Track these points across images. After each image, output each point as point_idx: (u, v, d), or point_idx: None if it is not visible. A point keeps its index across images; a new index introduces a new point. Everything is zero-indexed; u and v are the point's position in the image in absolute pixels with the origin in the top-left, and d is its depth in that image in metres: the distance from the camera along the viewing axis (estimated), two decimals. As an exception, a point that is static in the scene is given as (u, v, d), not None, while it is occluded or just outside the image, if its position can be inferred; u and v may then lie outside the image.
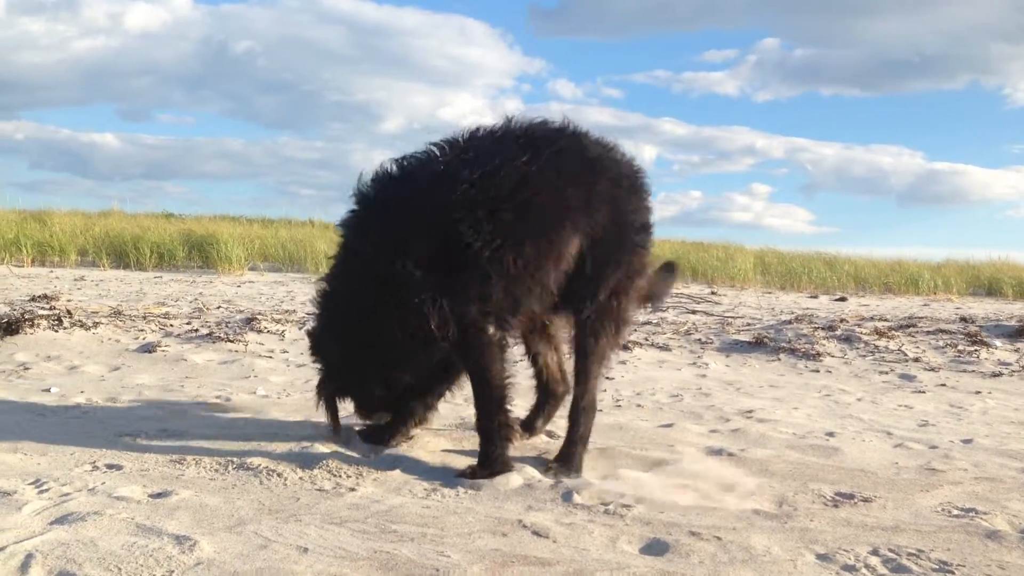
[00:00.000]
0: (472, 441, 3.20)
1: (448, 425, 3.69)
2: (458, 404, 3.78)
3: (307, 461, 3.03)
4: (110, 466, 2.93)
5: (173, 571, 2.06)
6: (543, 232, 3.05)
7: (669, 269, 3.77)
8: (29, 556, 2.10)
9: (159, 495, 2.63)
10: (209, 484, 2.77)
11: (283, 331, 5.77)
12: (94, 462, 2.98)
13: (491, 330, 3.07)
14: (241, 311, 7.08)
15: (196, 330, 5.63)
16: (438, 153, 3.13)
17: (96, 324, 5.41)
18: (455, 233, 2.94)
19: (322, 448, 3.17)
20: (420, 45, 48.80)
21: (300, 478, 2.86)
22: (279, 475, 2.86)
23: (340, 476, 2.89)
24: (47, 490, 2.63)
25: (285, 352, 5.26)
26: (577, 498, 2.78)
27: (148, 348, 5.08)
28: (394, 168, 3.16)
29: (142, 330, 5.57)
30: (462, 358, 3.15)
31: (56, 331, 5.21)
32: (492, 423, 3.06)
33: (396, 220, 3.07)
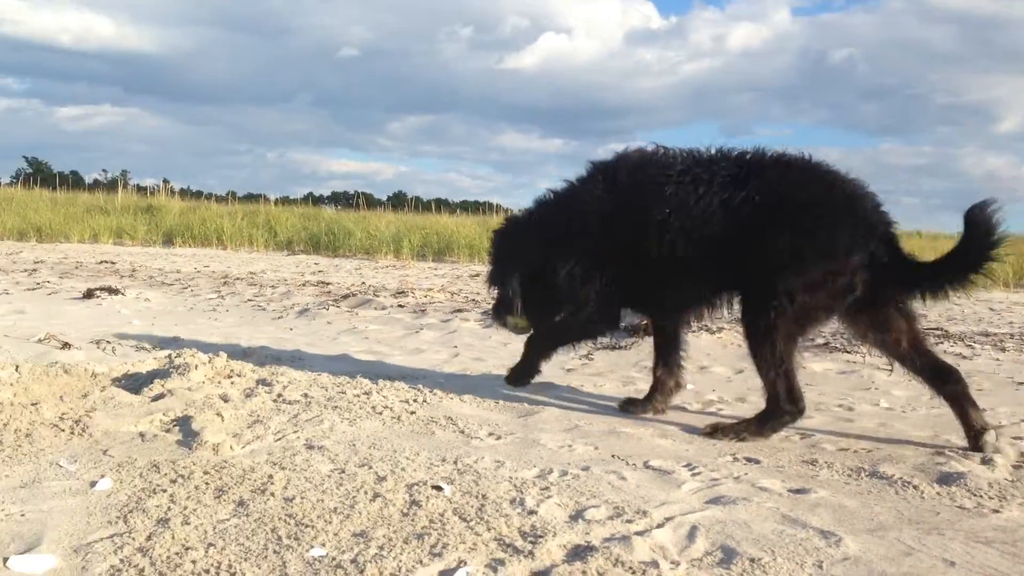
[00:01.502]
0: None
1: None
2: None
3: (942, 477, 2.97)
4: (748, 459, 3.18)
5: (823, 562, 2.19)
6: None
7: None
8: (694, 528, 2.39)
9: (798, 491, 2.79)
10: (844, 487, 2.86)
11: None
12: (734, 454, 3.26)
13: None
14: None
15: (812, 339, 5.77)
16: None
17: (720, 329, 5.84)
18: None
19: (958, 466, 3.07)
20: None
21: (937, 493, 2.81)
22: (915, 487, 2.85)
23: (981, 496, 2.78)
24: (698, 473, 2.95)
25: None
26: None
27: (768, 354, 5.35)
28: None
29: (760, 337, 5.87)
30: None
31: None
32: None
33: None
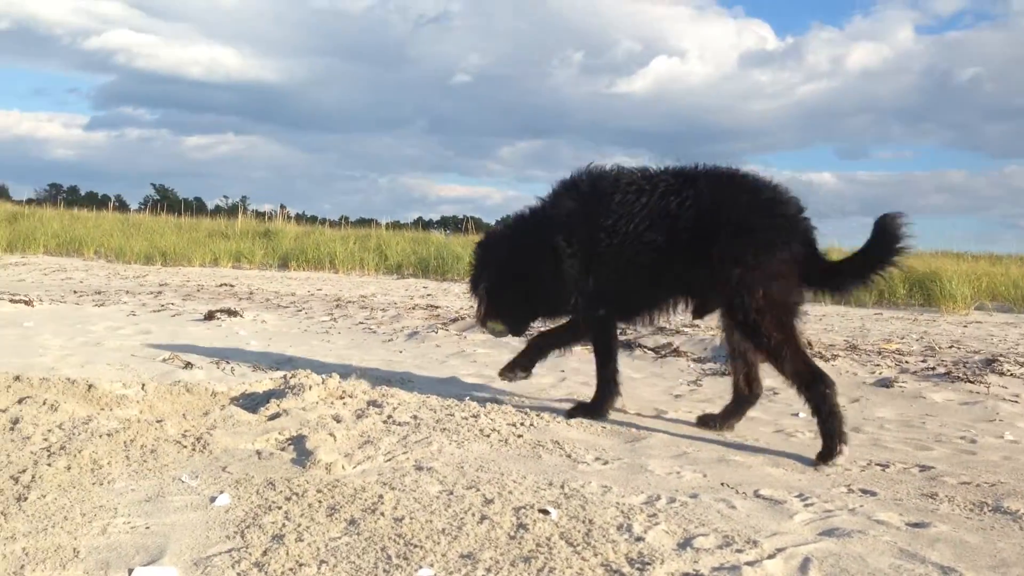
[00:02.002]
0: None
1: None
2: None
3: (1075, 515, 2.81)
4: (864, 491, 3.08)
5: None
6: None
7: None
8: (807, 560, 2.33)
9: (916, 525, 2.69)
10: (965, 522, 2.75)
11: (1027, 375, 5.38)
12: (848, 485, 3.16)
13: None
14: (976, 352, 6.78)
15: (932, 368, 5.57)
16: None
17: (834, 356, 5.69)
18: None
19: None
20: None
21: (1069, 531, 2.66)
22: (1044, 524, 2.71)
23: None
24: (811, 504, 2.88)
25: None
26: None
27: (885, 383, 5.18)
28: None
29: (877, 365, 5.70)
30: None
31: (798, 361, 5.62)
32: None
33: None
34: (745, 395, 4.12)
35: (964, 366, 5.63)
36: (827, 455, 3.49)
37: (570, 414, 4.17)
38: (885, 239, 3.68)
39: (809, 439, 3.93)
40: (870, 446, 3.84)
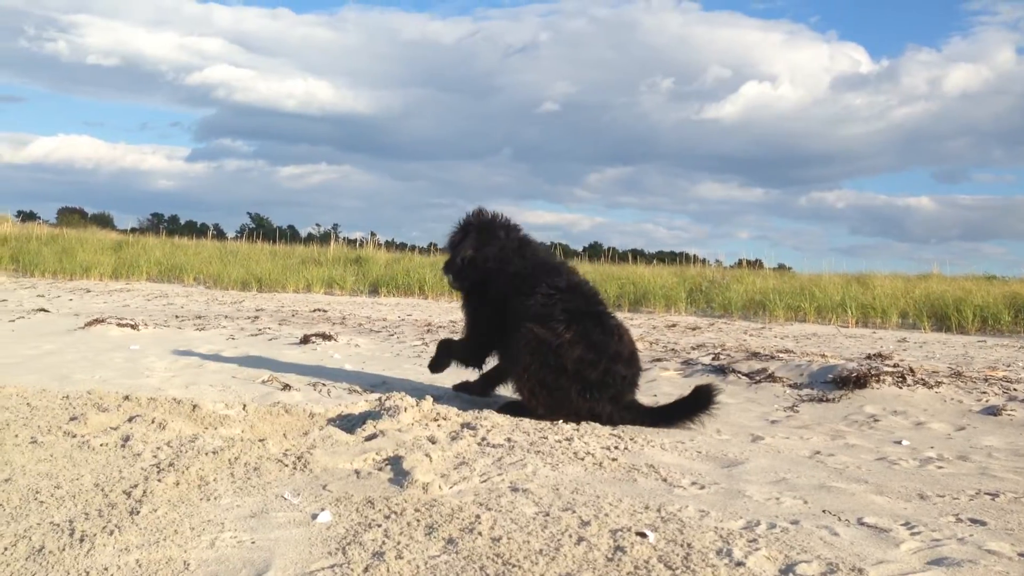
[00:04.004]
0: None
1: None
2: None
3: None
4: (973, 520, 2.98)
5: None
6: None
7: None
8: (915, 589, 2.26)
9: (1030, 556, 2.59)
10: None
11: None
12: (957, 514, 3.05)
13: None
14: (1088, 380, 6.48)
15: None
16: None
17: (938, 383, 5.52)
18: None
19: None
20: None
21: None
22: None
23: None
24: (918, 533, 2.79)
25: None
26: None
27: (992, 411, 4.99)
28: None
29: (984, 392, 5.50)
30: None
31: (900, 387, 5.46)
32: None
33: None
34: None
35: (1076, 394, 5.39)
36: None
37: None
38: (699, 402, 4.52)
39: (914, 467, 3.81)
40: (978, 475, 3.70)
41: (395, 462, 3.43)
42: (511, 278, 4.78)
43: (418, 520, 2.72)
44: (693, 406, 4.52)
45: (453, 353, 5.21)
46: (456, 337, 5.52)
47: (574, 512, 2.84)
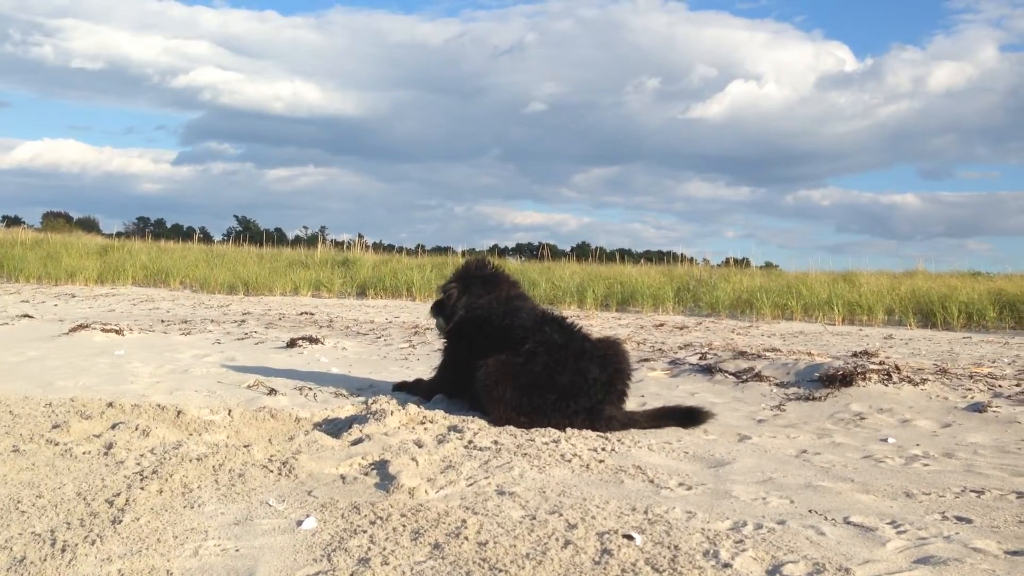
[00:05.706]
0: None
1: None
2: None
3: None
4: (959, 518, 2.98)
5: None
6: None
7: None
8: (902, 588, 2.26)
9: (1016, 553, 2.59)
10: (1069, 552, 2.63)
11: None
12: (943, 512, 3.06)
13: None
14: (1072, 375, 6.51)
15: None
16: None
17: (923, 380, 5.53)
18: None
19: None
20: None
21: None
22: None
23: None
24: (904, 531, 2.79)
25: None
26: None
27: (978, 408, 5.01)
28: None
29: (969, 389, 5.52)
30: None
31: (886, 385, 5.47)
32: None
33: None
34: None
35: (1061, 390, 5.41)
36: None
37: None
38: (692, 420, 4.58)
39: (900, 465, 3.82)
40: (964, 472, 3.71)
41: (381, 466, 3.42)
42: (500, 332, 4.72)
43: (404, 525, 2.70)
44: (684, 421, 4.52)
45: (422, 391, 5.26)
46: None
47: (561, 515, 2.83)
